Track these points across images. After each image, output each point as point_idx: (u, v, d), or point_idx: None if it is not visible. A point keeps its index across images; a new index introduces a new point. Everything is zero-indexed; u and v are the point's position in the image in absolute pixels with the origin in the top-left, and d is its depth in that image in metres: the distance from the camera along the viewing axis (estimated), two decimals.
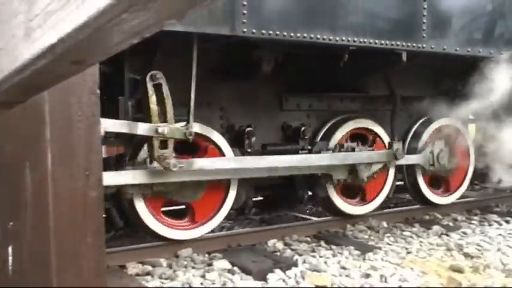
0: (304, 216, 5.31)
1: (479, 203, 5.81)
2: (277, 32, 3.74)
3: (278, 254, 4.16)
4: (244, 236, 4.41)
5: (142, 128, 3.64)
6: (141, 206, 3.94)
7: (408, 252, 4.18)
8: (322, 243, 4.42)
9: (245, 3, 3.62)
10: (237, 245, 4.29)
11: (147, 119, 3.68)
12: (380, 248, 4.23)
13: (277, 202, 5.66)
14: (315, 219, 5.04)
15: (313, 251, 4.21)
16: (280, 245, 4.34)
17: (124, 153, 4.06)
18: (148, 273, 3.64)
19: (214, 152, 4.17)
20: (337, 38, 4.00)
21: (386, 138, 5.07)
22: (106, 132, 3.49)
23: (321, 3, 3.92)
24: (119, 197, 3.89)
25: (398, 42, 4.33)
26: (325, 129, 4.89)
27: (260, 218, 5.47)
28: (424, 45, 4.48)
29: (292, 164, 4.36)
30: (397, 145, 4.87)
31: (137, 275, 3.63)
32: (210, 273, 3.59)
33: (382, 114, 5.18)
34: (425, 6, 4.45)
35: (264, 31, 3.70)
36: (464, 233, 4.78)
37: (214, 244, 4.26)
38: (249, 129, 4.37)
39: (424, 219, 5.28)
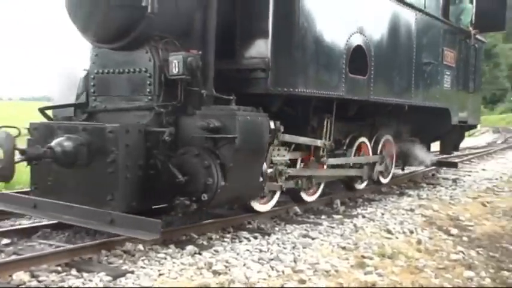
0: (57, 243, 5.06)
1: (233, 221, 6.18)
2: (376, 97, 7.29)
3: (23, 287, 3.90)
4: None
5: (319, 142, 6.99)
6: None
7: (160, 274, 4.26)
8: (74, 271, 4.27)
9: (372, 85, 7.18)
10: None
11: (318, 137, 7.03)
12: (133, 272, 4.24)
13: None
14: (69, 246, 4.84)
15: (63, 280, 4.05)
16: (26, 277, 4.07)
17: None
18: None
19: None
20: (390, 99, 7.84)
21: (369, 145, 8.55)
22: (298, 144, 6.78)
23: (390, 83, 7.76)
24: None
25: (406, 100, 8.20)
26: (347, 141, 8.06)
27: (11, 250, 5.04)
28: (411, 101, 8.31)
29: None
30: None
31: None
32: None
33: (366, 132, 8.57)
34: (413, 81, 8.28)
35: (376, 97, 7.28)
36: (216, 251, 5.03)
37: None
38: None
39: (181, 239, 5.43)
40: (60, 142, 5.06)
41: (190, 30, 5.75)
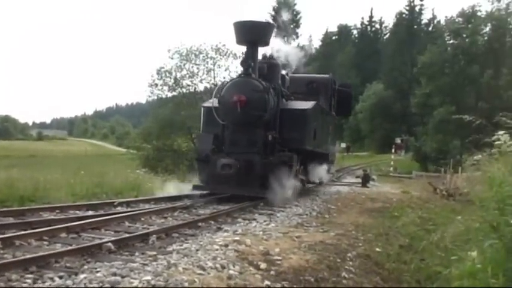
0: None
1: (37, 260, 5.79)
2: (317, 149, 16.26)
3: None
4: None
5: (297, 167, 15.20)
6: None
7: None
8: None
9: (316, 143, 16.13)
10: None
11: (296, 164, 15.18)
12: None
13: None
14: None
15: None
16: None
17: None
18: None
19: None
20: (319, 150, 16.36)
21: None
22: None
23: (320, 142, 16.48)
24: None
25: (322, 150, 16.87)
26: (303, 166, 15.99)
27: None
28: (322, 150, 16.98)
29: None
30: None
31: None
32: None
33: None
34: (323, 141, 17.10)
35: (317, 149, 16.10)
36: None
37: None
38: None
39: None
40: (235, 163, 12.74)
41: (270, 122, 13.72)
